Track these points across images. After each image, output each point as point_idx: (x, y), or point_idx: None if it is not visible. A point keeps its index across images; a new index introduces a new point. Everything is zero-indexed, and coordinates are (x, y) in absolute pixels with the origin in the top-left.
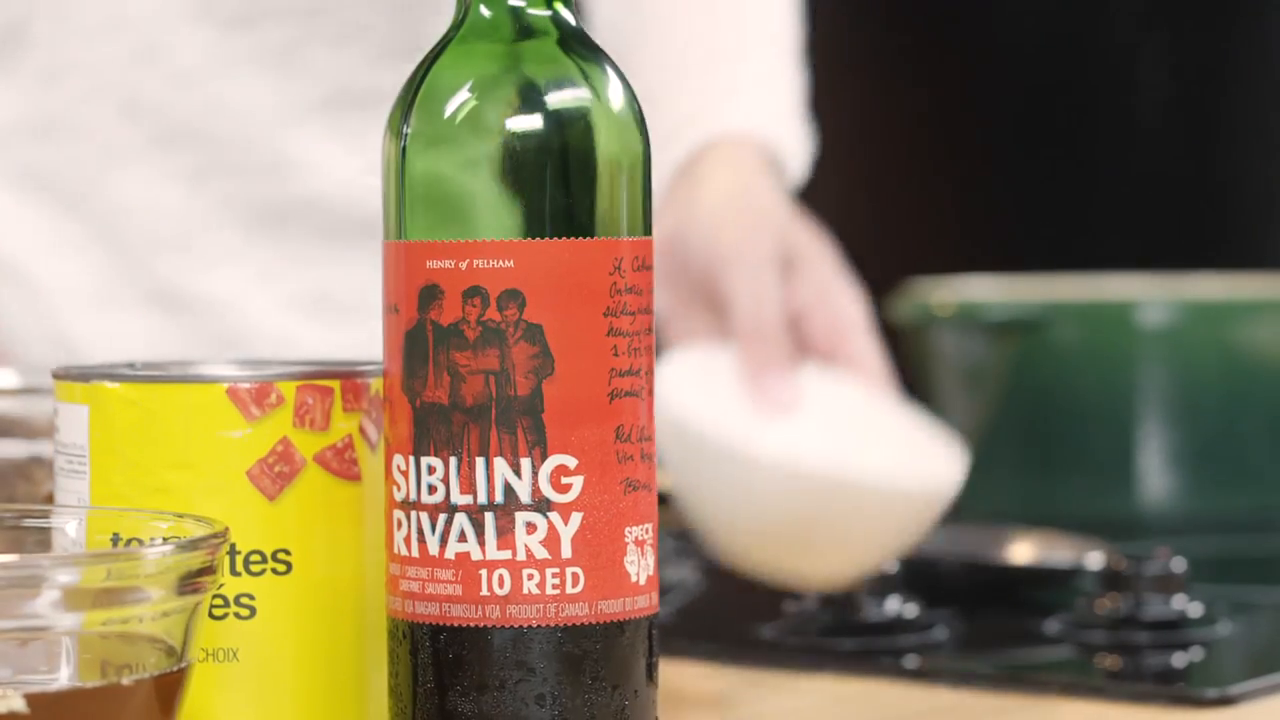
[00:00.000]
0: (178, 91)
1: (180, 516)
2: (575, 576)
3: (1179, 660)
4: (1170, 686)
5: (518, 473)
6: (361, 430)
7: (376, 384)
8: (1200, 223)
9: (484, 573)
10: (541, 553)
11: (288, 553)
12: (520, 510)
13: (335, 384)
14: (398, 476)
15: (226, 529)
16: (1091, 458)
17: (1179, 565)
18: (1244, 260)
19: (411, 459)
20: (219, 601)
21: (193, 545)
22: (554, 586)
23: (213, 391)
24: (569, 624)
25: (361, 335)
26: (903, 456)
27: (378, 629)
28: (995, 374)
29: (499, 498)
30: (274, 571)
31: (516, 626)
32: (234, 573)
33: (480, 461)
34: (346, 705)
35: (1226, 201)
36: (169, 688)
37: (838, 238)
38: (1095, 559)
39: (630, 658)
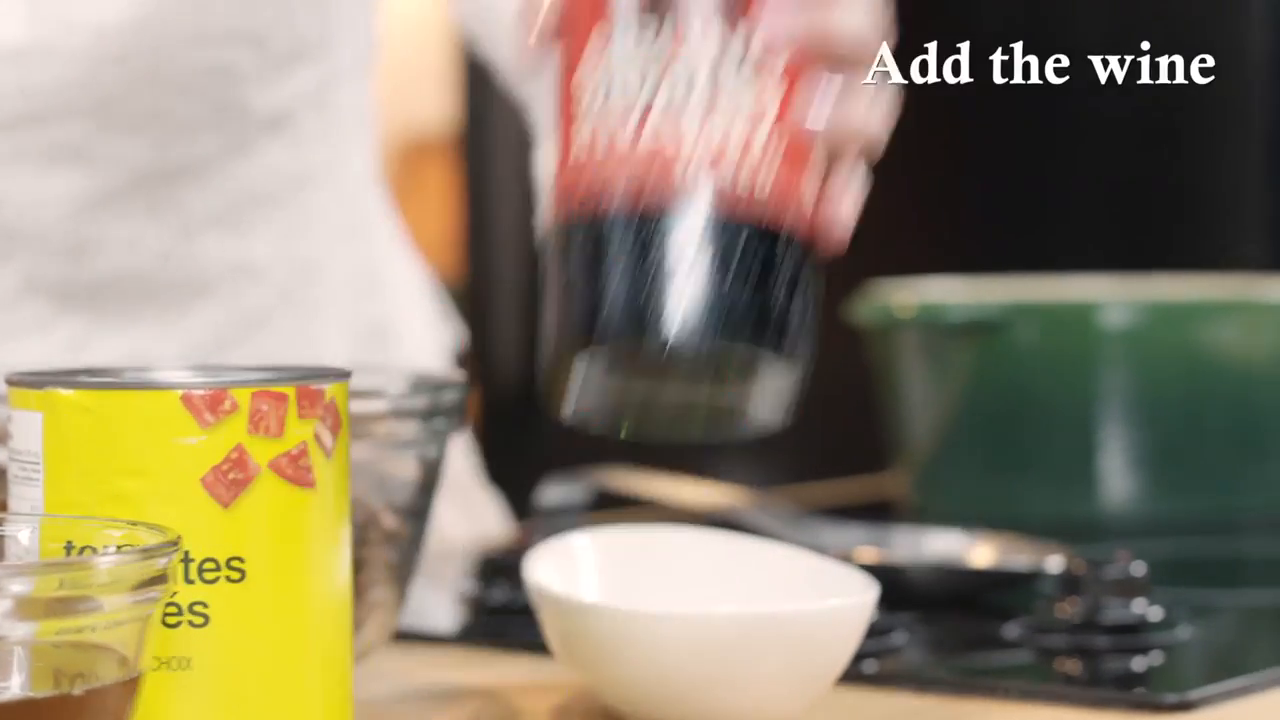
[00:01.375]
0: None
1: (134, 524)
2: None
3: (1139, 665)
4: (1130, 691)
5: None
6: (316, 437)
7: (331, 390)
8: (1162, 224)
9: None
10: None
11: (242, 560)
12: None
13: (290, 390)
14: None
15: (179, 538)
16: (1053, 459)
17: (1139, 569)
18: (1206, 261)
19: None
20: (172, 610)
21: (146, 554)
22: None
23: (167, 398)
24: None
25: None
26: (808, 588)
27: (332, 636)
28: (956, 375)
29: None
30: (228, 579)
31: None
32: (188, 580)
33: None
34: (301, 713)
35: (1188, 202)
36: (121, 697)
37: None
38: (1055, 562)
39: None
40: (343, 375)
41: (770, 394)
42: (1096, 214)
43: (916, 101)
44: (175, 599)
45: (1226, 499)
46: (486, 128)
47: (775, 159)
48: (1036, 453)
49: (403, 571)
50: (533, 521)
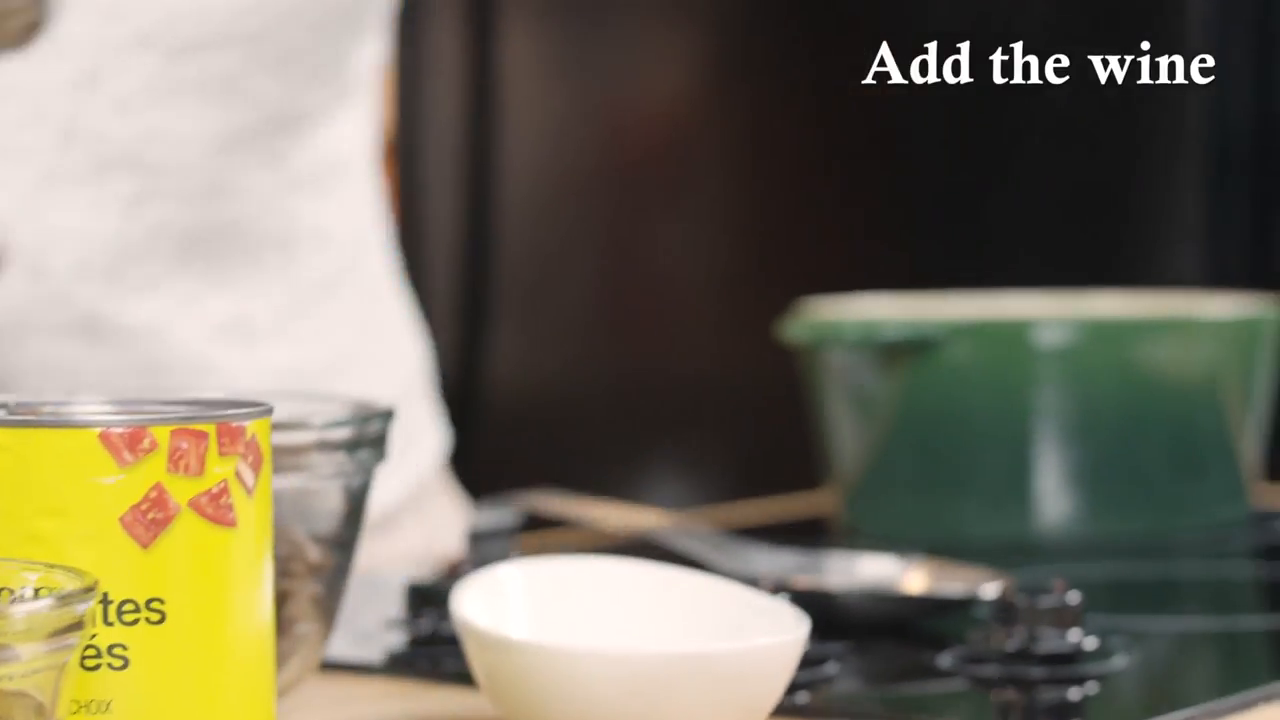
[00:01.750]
0: (117, 119)
1: (50, 567)
2: None
3: (1074, 695)
4: None
5: None
6: (237, 475)
7: (253, 427)
8: (1098, 240)
9: None
10: None
11: (162, 601)
12: None
13: (210, 428)
14: None
15: (96, 583)
16: (987, 479)
17: (1074, 598)
18: (1143, 278)
19: None
20: (91, 652)
21: (63, 601)
22: None
23: (85, 437)
24: None
25: (279, 358)
26: (739, 623)
27: (254, 675)
28: (889, 394)
29: None
30: (148, 621)
31: None
32: (106, 623)
33: None
34: None
35: (1125, 219)
36: None
37: (730, 259)
38: (990, 589)
39: None
40: (264, 411)
41: None
42: (1032, 230)
43: (850, 119)
44: (94, 641)
45: (1162, 519)
46: (421, 135)
47: None
48: (970, 472)
49: (328, 604)
50: (467, 550)
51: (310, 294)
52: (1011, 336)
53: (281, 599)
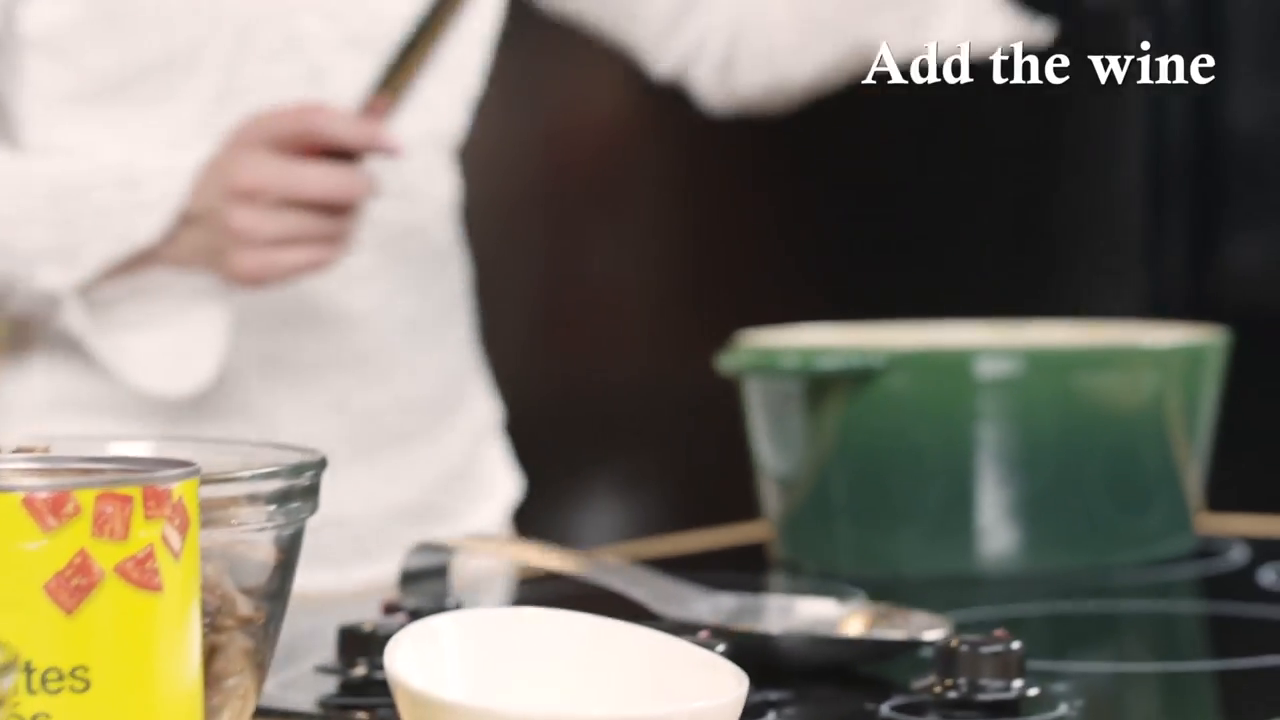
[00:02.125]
0: None
1: None
2: None
3: None
4: None
5: None
6: (163, 538)
7: (179, 490)
8: (1038, 270)
9: None
10: None
11: (86, 669)
12: None
13: (135, 491)
14: None
15: (17, 657)
16: (927, 512)
17: (1016, 645)
18: (1083, 308)
19: None
20: None
21: None
22: None
23: (8, 501)
24: None
25: (439, 359)
26: (676, 681)
27: None
28: (826, 425)
29: None
30: (72, 689)
31: None
32: (30, 691)
33: None
34: None
35: (1065, 249)
36: None
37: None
38: (932, 634)
39: None
40: (191, 472)
41: None
42: (971, 260)
43: (789, 148)
44: (17, 710)
45: (1105, 552)
46: None
47: None
48: (909, 505)
49: (259, 656)
50: (398, 590)
51: (454, 310)
52: (951, 367)
53: (211, 653)
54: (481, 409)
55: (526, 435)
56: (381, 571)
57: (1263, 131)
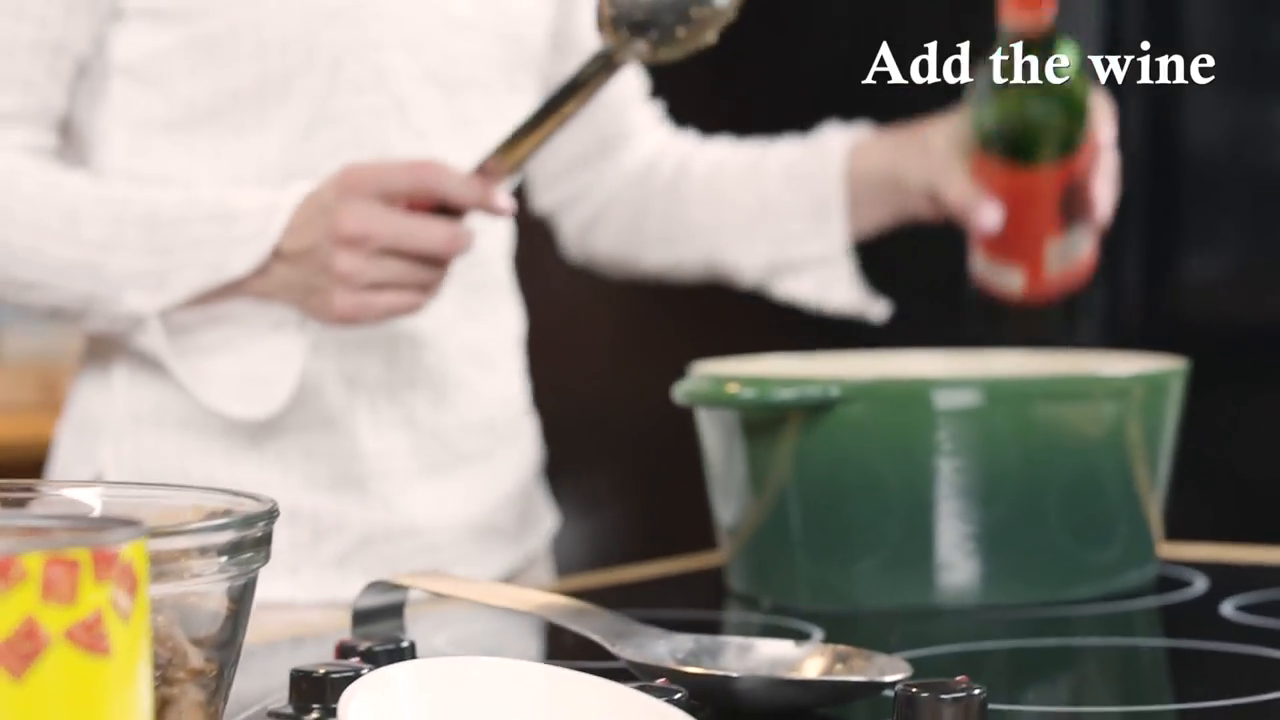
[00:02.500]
0: (419, 145)
1: None
2: None
3: None
4: None
5: None
6: (112, 601)
7: (127, 552)
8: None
9: None
10: None
11: None
12: None
13: (84, 555)
14: None
15: None
16: (884, 544)
17: (977, 691)
18: (1038, 339)
19: None
20: None
21: None
22: None
23: None
24: None
25: (502, 386)
26: None
27: None
28: (784, 457)
29: None
30: None
31: None
32: None
33: None
34: None
35: None
36: None
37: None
38: (893, 677)
39: None
40: (138, 533)
41: None
42: (929, 289)
43: None
44: None
45: (1065, 585)
46: None
47: None
48: (866, 538)
49: (211, 708)
50: (350, 629)
51: (513, 341)
52: (909, 397)
53: (163, 706)
54: (532, 442)
55: None
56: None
57: (1217, 154)
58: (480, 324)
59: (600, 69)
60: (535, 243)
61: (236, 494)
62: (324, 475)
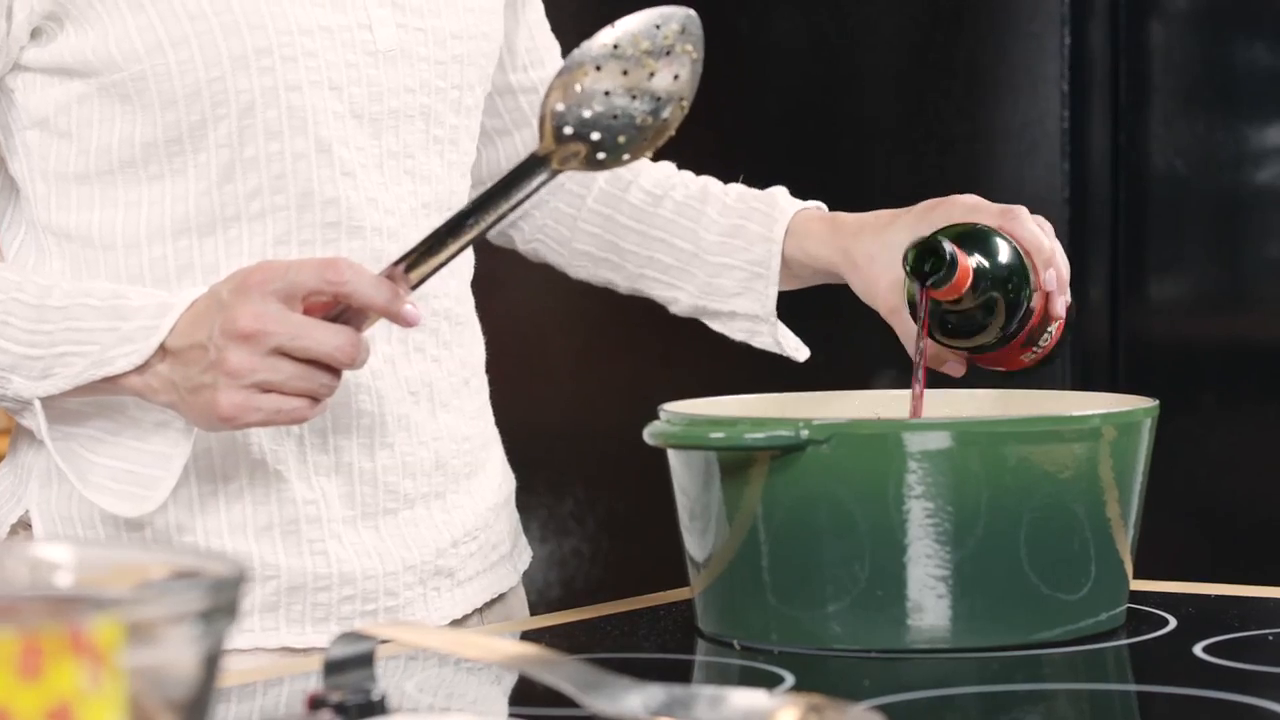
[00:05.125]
0: (346, 184)
1: None
2: None
3: None
4: None
5: None
6: (86, 679)
7: (99, 630)
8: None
9: None
10: None
11: None
12: None
13: (57, 636)
14: None
15: None
16: (854, 586)
17: None
18: (1016, 375)
19: None
20: None
21: None
22: None
23: None
24: None
25: (454, 424)
26: None
27: None
28: (754, 498)
29: None
30: None
31: None
32: None
33: None
34: None
35: None
36: None
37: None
38: None
39: None
40: (111, 612)
41: None
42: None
43: None
44: None
45: (1037, 627)
46: None
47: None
48: (836, 579)
49: None
50: (321, 680)
51: (472, 376)
52: (880, 439)
53: None
54: (497, 476)
55: None
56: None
57: (1182, 177)
58: (427, 360)
59: (532, 173)
60: (498, 269)
61: (204, 555)
62: (251, 521)
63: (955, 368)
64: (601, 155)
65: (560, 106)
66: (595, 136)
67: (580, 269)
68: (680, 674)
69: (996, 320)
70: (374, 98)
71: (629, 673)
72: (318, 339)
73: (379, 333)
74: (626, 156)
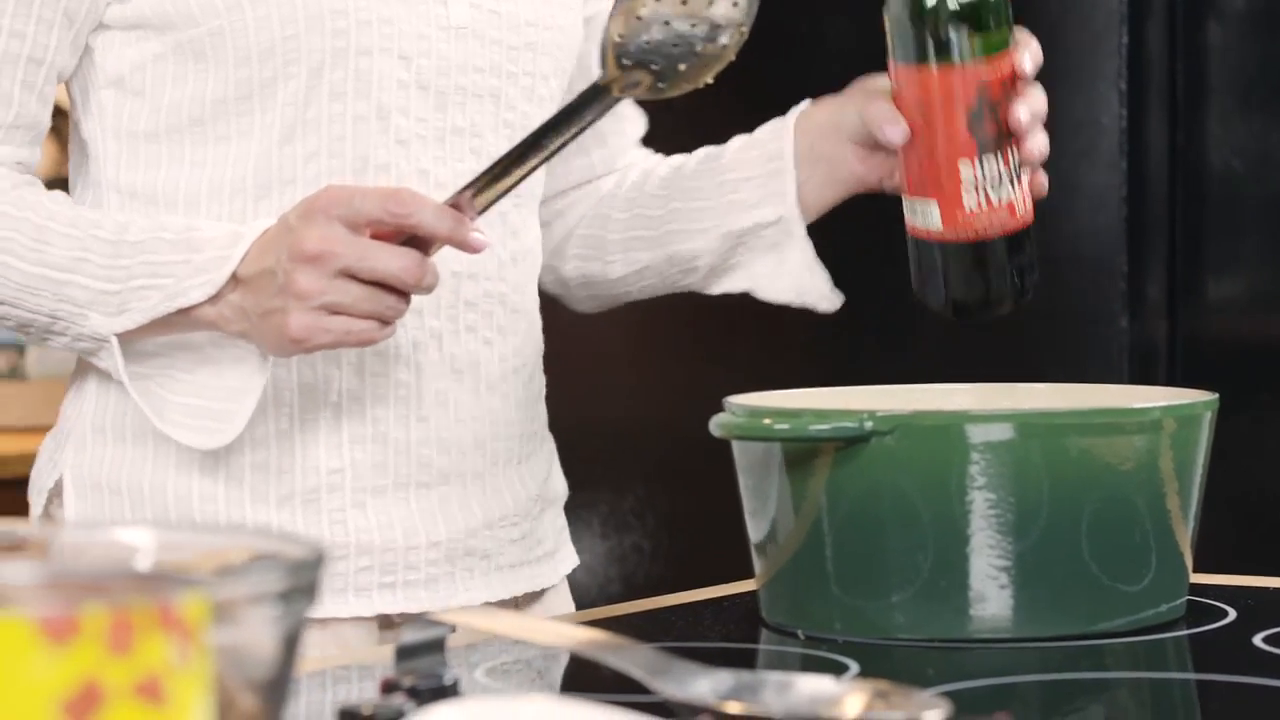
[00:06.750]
0: (399, 153)
1: None
2: None
3: None
4: None
5: None
6: (174, 654)
7: (187, 607)
8: (1028, 333)
9: None
10: None
11: None
12: None
13: (147, 610)
14: None
15: None
16: (917, 576)
17: None
18: (1080, 370)
19: None
20: None
21: None
22: None
23: (18, 623)
24: None
25: (499, 408)
26: None
27: None
28: (818, 489)
29: None
30: None
31: None
32: None
33: None
34: None
35: (1048, 316)
36: None
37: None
38: (932, 715)
39: None
40: (200, 590)
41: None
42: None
43: None
44: None
45: (1097, 617)
46: None
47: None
48: (899, 570)
49: None
50: (394, 665)
51: (525, 365)
52: (943, 430)
53: None
54: (542, 470)
55: None
56: (409, 600)
57: (1239, 177)
58: (477, 341)
59: (594, 101)
60: None
61: (282, 537)
62: (273, 490)
63: (894, 131)
64: (662, 84)
65: (621, 35)
66: (656, 65)
67: (614, 262)
68: (745, 663)
69: (955, 34)
70: (441, 71)
71: (695, 661)
72: (384, 260)
73: (427, 306)
74: (686, 85)
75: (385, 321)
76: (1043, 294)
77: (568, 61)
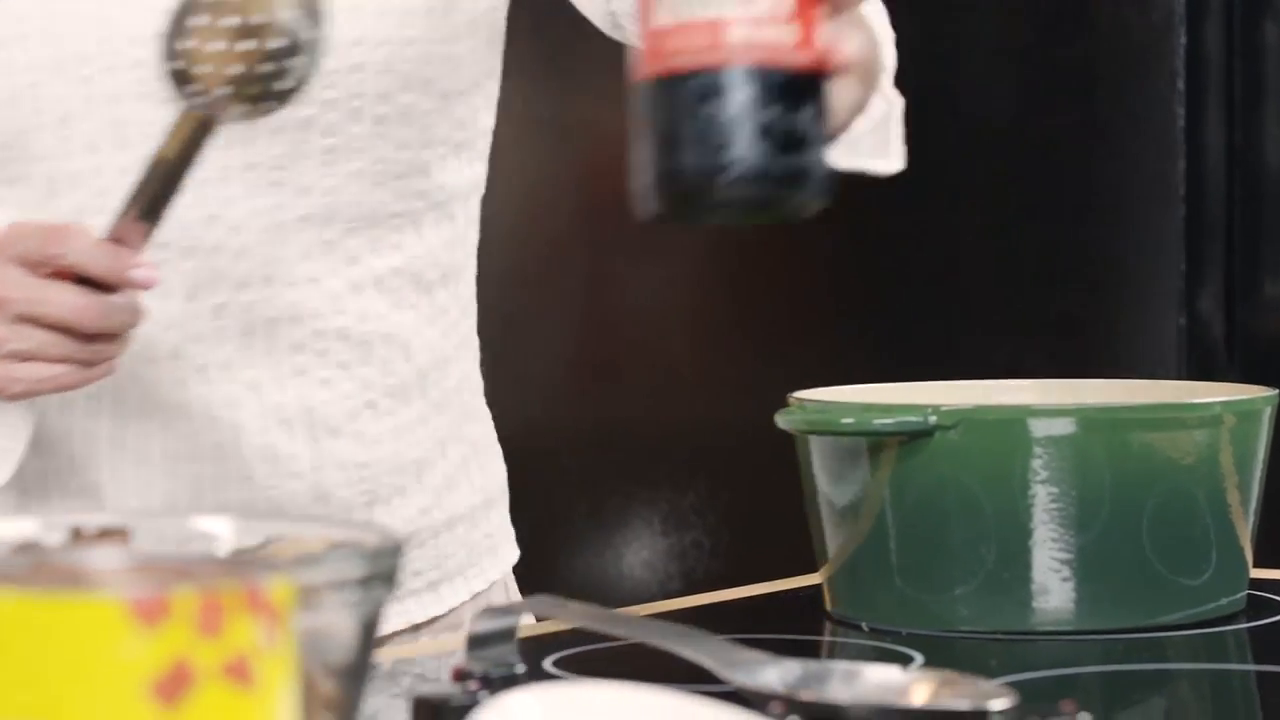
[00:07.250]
0: (188, 198)
1: None
2: None
3: None
4: None
5: None
6: (261, 637)
7: (276, 591)
8: (1089, 326)
9: None
10: None
11: None
12: None
13: (235, 593)
14: None
15: None
16: (980, 569)
17: (1083, 717)
18: (1137, 367)
19: None
20: None
21: None
22: None
23: (108, 604)
24: None
25: (347, 453)
26: None
27: None
28: (883, 482)
29: None
30: None
31: None
32: None
33: None
34: None
35: (1101, 300)
36: None
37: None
38: (998, 704)
39: None
40: (289, 572)
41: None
42: (1021, 316)
43: (842, 210)
44: None
45: (1159, 609)
46: None
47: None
48: (963, 563)
49: None
50: (465, 654)
51: (383, 397)
52: (1006, 424)
53: None
54: (479, 475)
55: (566, 465)
56: None
57: None
58: (311, 384)
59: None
60: (619, 267)
61: (362, 526)
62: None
63: None
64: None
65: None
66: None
67: None
68: (810, 654)
69: None
70: None
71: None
72: (54, 302)
73: (236, 359)
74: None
75: (88, 364)
76: (1102, 293)
77: (435, 69)
